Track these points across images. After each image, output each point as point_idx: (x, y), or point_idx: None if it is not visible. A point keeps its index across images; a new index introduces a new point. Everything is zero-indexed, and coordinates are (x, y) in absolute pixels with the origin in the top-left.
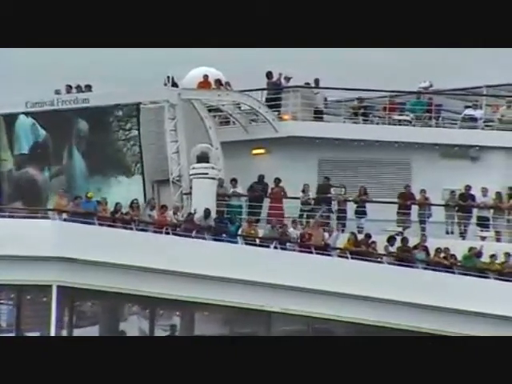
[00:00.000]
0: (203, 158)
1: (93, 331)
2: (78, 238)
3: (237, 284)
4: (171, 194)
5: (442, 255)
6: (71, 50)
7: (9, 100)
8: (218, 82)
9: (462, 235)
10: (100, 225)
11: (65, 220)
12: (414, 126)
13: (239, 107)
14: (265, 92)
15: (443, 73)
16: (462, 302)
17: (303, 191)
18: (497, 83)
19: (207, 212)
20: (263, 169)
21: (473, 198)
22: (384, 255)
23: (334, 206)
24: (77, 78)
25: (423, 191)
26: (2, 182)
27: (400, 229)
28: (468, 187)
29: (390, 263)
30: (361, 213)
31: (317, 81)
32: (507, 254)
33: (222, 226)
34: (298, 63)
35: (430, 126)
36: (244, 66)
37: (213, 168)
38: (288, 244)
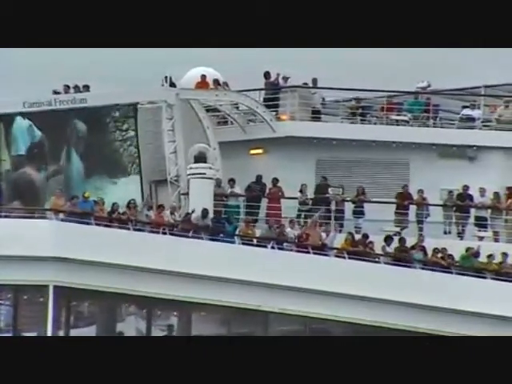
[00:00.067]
0: (201, 158)
1: (90, 331)
2: (75, 238)
3: (234, 284)
4: (169, 194)
5: (440, 255)
6: (71, 50)
7: (7, 100)
8: (216, 82)
9: (460, 235)
10: (97, 225)
11: (62, 220)
12: (411, 126)
13: (237, 107)
14: (263, 92)
15: (443, 73)
16: (459, 302)
17: (301, 191)
18: (495, 83)
19: (205, 212)
20: (261, 169)
21: (471, 198)
22: (381, 255)
23: (332, 206)
24: (76, 78)
25: (421, 191)
26: (1, 181)
27: (398, 229)
28: (466, 187)
29: (386, 263)
30: (359, 213)
31: (314, 81)
32: (505, 254)
33: (219, 226)
34: (296, 63)
35: (428, 126)
36: (242, 66)
37: (210, 168)
38: (285, 244)
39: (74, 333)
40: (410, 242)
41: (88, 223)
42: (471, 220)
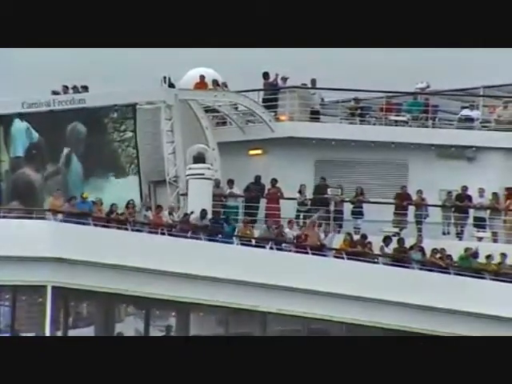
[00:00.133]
0: (199, 158)
1: (88, 332)
2: (74, 239)
3: (232, 284)
4: (168, 194)
5: (439, 256)
6: (71, 50)
7: (6, 100)
8: (215, 82)
9: (459, 236)
10: (95, 225)
11: (61, 221)
12: (410, 126)
13: (236, 108)
14: (262, 92)
15: (442, 73)
16: (458, 302)
17: (300, 192)
18: (494, 84)
19: (203, 213)
20: (260, 169)
21: (469, 198)
22: (380, 256)
23: (331, 207)
24: (76, 79)
25: (420, 192)
26: (0, 182)
27: (397, 229)
28: (464, 188)
29: (385, 264)
30: (357, 213)
31: (313, 81)
32: (503, 255)
33: (217, 227)
34: (295, 63)
35: (427, 126)
36: (241, 67)
37: (209, 169)
38: (284, 245)
39: (72, 333)
40: (409, 242)
41: (86, 224)
42: (470, 221)
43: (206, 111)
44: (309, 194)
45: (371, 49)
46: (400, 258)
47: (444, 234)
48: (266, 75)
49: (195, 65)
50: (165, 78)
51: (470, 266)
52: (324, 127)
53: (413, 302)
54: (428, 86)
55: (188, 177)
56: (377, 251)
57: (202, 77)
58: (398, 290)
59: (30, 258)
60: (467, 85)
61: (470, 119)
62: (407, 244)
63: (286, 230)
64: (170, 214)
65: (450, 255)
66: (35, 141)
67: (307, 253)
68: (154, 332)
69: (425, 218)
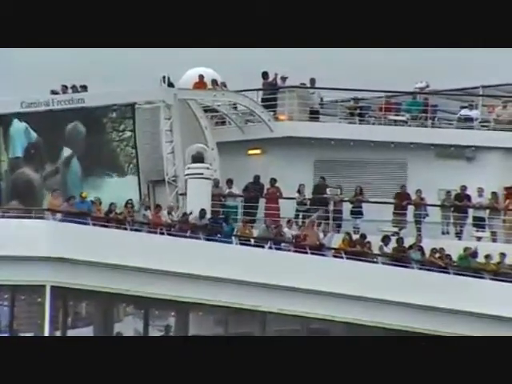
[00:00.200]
0: (199, 158)
1: (87, 332)
2: (73, 239)
3: (231, 284)
4: (167, 194)
5: (438, 255)
6: (71, 50)
7: (5, 100)
8: (214, 82)
9: (458, 235)
10: (94, 225)
11: (59, 220)
12: (409, 126)
13: (235, 107)
14: (261, 92)
15: (441, 73)
16: (457, 302)
17: (299, 191)
18: (494, 83)
19: (202, 213)
20: (259, 169)
21: (468, 198)
22: (379, 255)
23: (330, 207)
24: (76, 79)
25: (419, 191)
26: (1, 181)
27: (396, 229)
28: (464, 187)
29: (384, 263)
30: (357, 213)
31: (312, 81)
32: (502, 255)
33: (216, 226)
34: (295, 63)
35: (426, 126)
36: (241, 67)
37: (208, 168)
38: (283, 244)
39: (71, 333)
40: (408, 242)
41: (85, 223)
42: (469, 220)
43: (205, 111)
44: (308, 193)
45: (371, 49)
46: (399, 258)
47: (443, 233)
48: (265, 75)
49: (195, 65)
50: (164, 77)
51: (469, 266)
52: (323, 127)
53: (414, 302)
54: (427, 86)
55: (187, 176)
56: (376, 251)
57: (201, 76)
58: (398, 290)
59: (29, 257)
60: (466, 84)
61: (470, 119)
62: (406, 243)
63: (285, 230)
64: (169, 213)
65: (449, 255)
66: (34, 141)
67: (306, 252)
68: (153, 332)
69: (424, 218)
